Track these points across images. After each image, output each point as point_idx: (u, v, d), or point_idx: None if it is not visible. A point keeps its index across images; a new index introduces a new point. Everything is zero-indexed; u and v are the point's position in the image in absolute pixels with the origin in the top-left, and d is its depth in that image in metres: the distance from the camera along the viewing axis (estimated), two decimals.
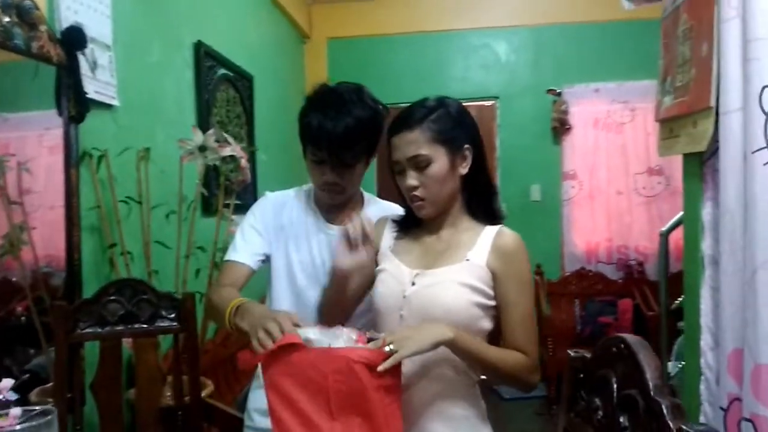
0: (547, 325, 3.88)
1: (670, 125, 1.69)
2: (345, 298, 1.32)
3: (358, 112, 1.38)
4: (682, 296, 2.74)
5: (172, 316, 1.61)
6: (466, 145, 1.26)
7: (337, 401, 1.02)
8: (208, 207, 2.72)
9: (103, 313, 1.56)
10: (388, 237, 1.37)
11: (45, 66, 1.75)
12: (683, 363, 1.69)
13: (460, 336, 1.08)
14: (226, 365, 2.84)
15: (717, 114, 1.39)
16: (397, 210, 1.52)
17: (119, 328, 1.57)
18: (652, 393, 0.69)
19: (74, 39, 1.78)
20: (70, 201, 1.79)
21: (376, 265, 1.35)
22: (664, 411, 0.66)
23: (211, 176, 2.66)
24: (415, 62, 4.68)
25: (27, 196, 1.69)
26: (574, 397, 0.93)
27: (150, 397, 1.62)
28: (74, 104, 1.81)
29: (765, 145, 1.24)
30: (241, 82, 3.39)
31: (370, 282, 1.33)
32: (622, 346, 0.78)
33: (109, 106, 2.10)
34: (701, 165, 1.51)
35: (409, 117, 1.25)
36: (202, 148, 2.20)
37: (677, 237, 2.66)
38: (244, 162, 2.16)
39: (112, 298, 1.58)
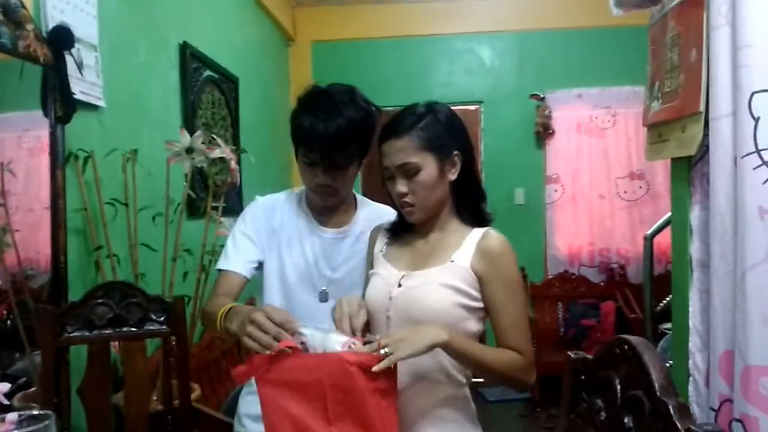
0: (530, 328, 3.90)
1: (658, 130, 1.72)
2: None
3: (350, 113, 1.36)
4: (667, 299, 2.80)
5: (162, 319, 1.59)
6: (455, 152, 1.28)
7: (334, 406, 1.02)
8: (194, 209, 2.69)
9: (90, 317, 1.53)
10: (380, 242, 1.39)
11: (29, 66, 1.72)
12: (670, 364, 1.72)
13: (454, 338, 1.09)
14: (210, 369, 2.82)
15: (706, 119, 1.42)
16: (390, 212, 1.53)
17: (107, 331, 1.55)
18: (658, 393, 0.69)
19: (61, 38, 1.75)
20: (56, 203, 1.76)
21: (371, 269, 1.36)
22: (672, 411, 0.67)
23: (195, 178, 2.64)
24: (399, 66, 4.69)
25: (7, 198, 1.66)
26: (575, 399, 0.94)
27: (138, 402, 1.60)
28: (61, 105, 1.77)
29: (754, 149, 1.27)
30: (227, 84, 3.37)
31: None
32: (626, 347, 0.78)
33: (95, 107, 2.07)
34: (689, 169, 1.53)
35: (399, 124, 1.26)
36: (189, 150, 2.18)
37: (658, 240, 2.71)
38: (233, 164, 2.14)
39: (100, 301, 1.55)
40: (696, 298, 1.47)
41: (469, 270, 1.22)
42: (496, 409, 3.91)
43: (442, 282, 1.20)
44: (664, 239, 2.96)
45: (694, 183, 1.51)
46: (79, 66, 1.92)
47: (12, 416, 0.78)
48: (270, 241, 1.50)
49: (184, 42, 2.79)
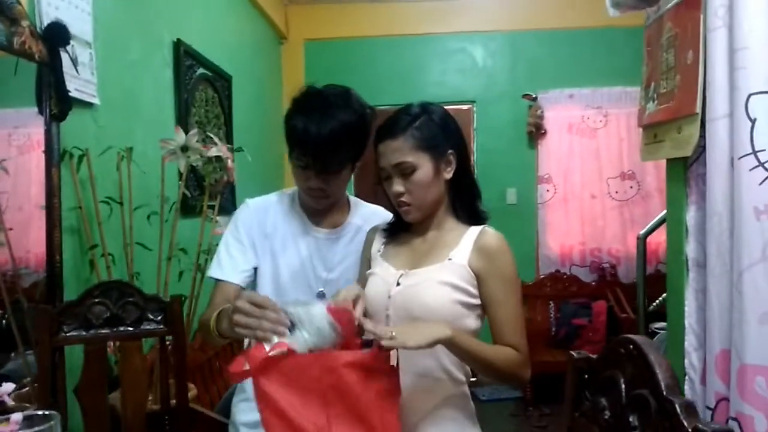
0: None
1: (653, 130, 1.73)
2: None
3: (343, 116, 1.34)
4: (660, 298, 2.82)
5: (159, 318, 1.58)
6: (450, 150, 1.29)
7: (333, 407, 1.02)
8: (187, 208, 2.68)
9: (88, 316, 1.53)
10: (377, 243, 1.39)
11: (23, 63, 1.71)
12: None
13: (458, 335, 1.10)
14: (204, 369, 2.81)
15: (703, 120, 1.43)
16: (383, 213, 1.54)
17: (104, 331, 1.54)
18: (664, 392, 0.70)
19: (57, 35, 1.74)
20: (52, 201, 1.74)
21: (369, 269, 1.37)
22: (678, 410, 0.68)
23: (189, 177, 2.63)
24: (392, 65, 4.69)
25: None
26: (578, 398, 0.95)
27: (135, 402, 1.59)
28: (56, 102, 1.76)
29: (751, 150, 1.28)
30: (220, 82, 3.36)
31: None
32: (631, 347, 0.79)
33: (89, 105, 2.05)
34: (685, 170, 1.55)
35: (394, 124, 1.27)
36: (185, 149, 2.17)
37: (648, 240, 2.73)
38: (230, 163, 2.14)
39: (96, 300, 1.55)
40: (692, 297, 1.48)
41: (467, 267, 1.23)
42: (489, 408, 3.93)
43: (441, 280, 1.21)
44: (654, 239, 2.98)
45: (690, 184, 1.52)
46: (75, 63, 1.91)
47: (17, 416, 0.78)
48: (263, 245, 1.48)
49: (178, 39, 2.78)
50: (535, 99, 4.49)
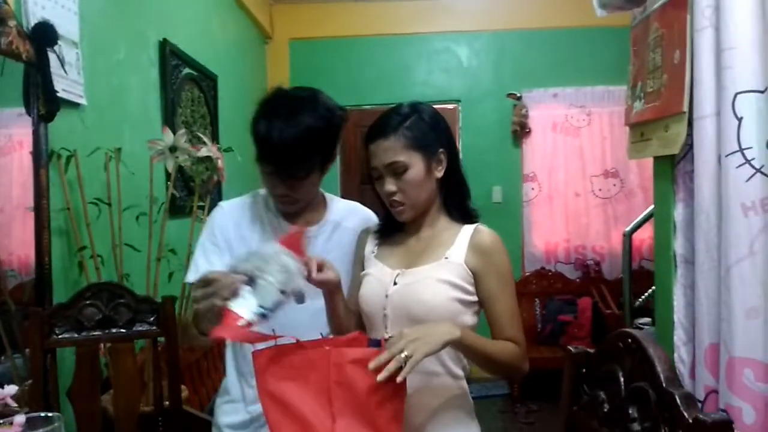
0: None
1: (640, 129, 1.76)
2: (339, 314, 1.31)
3: (309, 121, 1.30)
4: (645, 294, 2.86)
5: (151, 320, 1.57)
6: (441, 149, 1.30)
7: (338, 402, 1.02)
8: (176, 209, 2.66)
9: (79, 318, 1.52)
10: (370, 244, 1.40)
11: (9, 63, 1.69)
12: None
13: (465, 333, 1.11)
14: (192, 370, 2.79)
15: (690, 119, 1.46)
16: (361, 209, 1.54)
17: (96, 333, 1.53)
18: (664, 384, 0.72)
19: (45, 35, 1.72)
20: (40, 203, 1.73)
21: (362, 270, 1.37)
22: (678, 401, 0.69)
23: (176, 177, 2.61)
24: (377, 65, 4.70)
25: None
26: (576, 392, 0.96)
27: (128, 404, 1.58)
28: (44, 103, 1.74)
29: (738, 148, 1.31)
30: (206, 82, 3.34)
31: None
32: (630, 341, 0.81)
33: (76, 105, 2.03)
34: (673, 167, 1.57)
35: (385, 124, 1.28)
36: (173, 149, 2.16)
37: (632, 236, 2.77)
38: (221, 162, 2.13)
39: (88, 302, 1.54)
40: (680, 293, 1.51)
41: (464, 266, 1.24)
42: (476, 405, 3.91)
43: (439, 278, 1.22)
44: (638, 236, 3.03)
45: (678, 181, 1.55)
46: (62, 63, 1.89)
47: (20, 418, 0.77)
48: (240, 247, 1.43)
49: (164, 39, 2.76)
50: (519, 98, 4.52)
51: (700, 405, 1.39)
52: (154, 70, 2.71)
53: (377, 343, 1.07)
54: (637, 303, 2.62)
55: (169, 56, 2.80)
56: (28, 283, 1.77)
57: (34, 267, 1.76)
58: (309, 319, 1.38)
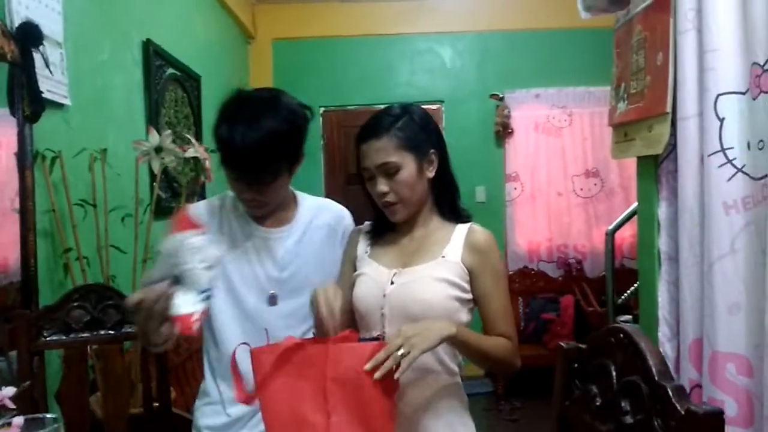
0: None
1: (624, 129, 1.79)
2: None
3: (271, 124, 1.26)
4: (628, 291, 2.90)
5: None
6: (432, 150, 1.32)
7: (334, 398, 1.04)
8: (161, 210, 2.65)
9: (67, 320, 1.51)
10: (363, 244, 1.41)
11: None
12: None
13: (460, 330, 1.13)
14: (178, 372, 2.77)
15: (673, 119, 1.49)
16: (333, 205, 1.54)
17: (84, 335, 1.52)
18: (656, 378, 0.74)
19: (30, 35, 1.70)
20: (26, 204, 1.71)
21: (354, 270, 1.38)
22: (670, 393, 0.72)
23: (161, 178, 2.59)
24: (360, 65, 4.70)
25: None
26: (567, 387, 0.98)
27: (116, 406, 1.57)
28: (29, 103, 1.73)
29: (720, 148, 1.35)
30: (189, 82, 3.32)
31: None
32: (621, 335, 0.83)
33: (60, 106, 2.01)
34: (656, 167, 1.61)
35: (376, 125, 1.29)
36: (158, 149, 2.15)
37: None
38: (208, 163, 2.12)
39: (76, 304, 1.53)
40: (664, 289, 1.54)
41: (461, 264, 1.27)
42: None
43: (437, 276, 1.25)
44: (618, 234, 3.07)
45: (661, 180, 1.58)
46: (48, 63, 1.87)
47: (18, 420, 0.77)
48: None
49: (147, 39, 2.74)
50: (502, 99, 4.56)
51: None
52: (137, 70, 2.69)
53: (375, 341, 1.08)
54: (620, 300, 2.66)
55: (153, 56, 2.79)
56: (9, 286, 1.75)
57: (16, 269, 1.75)
58: (282, 321, 1.40)
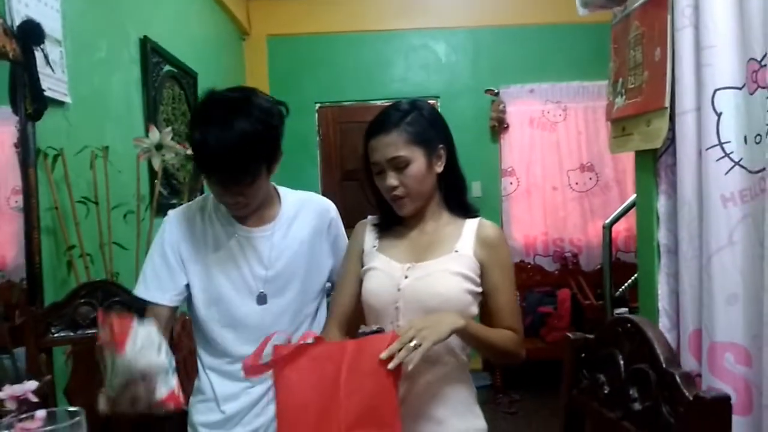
0: None
1: (622, 124, 1.81)
2: None
3: (243, 125, 1.24)
4: (625, 284, 2.94)
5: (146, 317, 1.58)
6: (441, 145, 1.34)
7: (347, 386, 1.06)
8: (161, 207, 2.65)
9: (74, 317, 1.52)
10: (370, 238, 1.41)
11: None
12: None
13: (469, 322, 1.16)
14: (179, 369, 2.79)
15: (671, 114, 1.52)
16: (316, 198, 1.55)
17: (92, 331, 1.53)
18: (664, 365, 0.77)
19: (31, 34, 1.71)
20: (29, 202, 1.72)
21: (361, 266, 1.39)
22: (678, 380, 0.74)
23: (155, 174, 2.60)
24: (355, 61, 4.71)
25: None
26: (575, 376, 1.01)
27: None
28: (31, 101, 1.73)
29: (717, 142, 1.37)
30: (186, 79, 3.32)
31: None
32: (629, 325, 0.85)
33: (61, 104, 2.02)
34: (655, 161, 1.63)
35: (386, 120, 1.30)
36: (159, 147, 2.16)
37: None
38: None
39: (83, 300, 1.54)
40: (664, 281, 1.57)
41: (473, 258, 1.29)
42: None
43: (452, 270, 1.27)
44: (614, 228, 3.10)
45: (660, 174, 1.61)
46: (48, 61, 1.88)
47: (41, 413, 0.79)
48: (195, 258, 1.41)
49: (145, 36, 2.75)
50: (497, 94, 4.58)
51: None
52: (135, 67, 2.70)
53: (375, 334, 1.12)
54: (617, 293, 2.69)
55: (150, 54, 2.79)
56: (6, 284, 1.75)
57: (15, 266, 1.75)
58: (271, 320, 1.41)
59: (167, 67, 3.02)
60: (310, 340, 1.11)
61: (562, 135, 4.62)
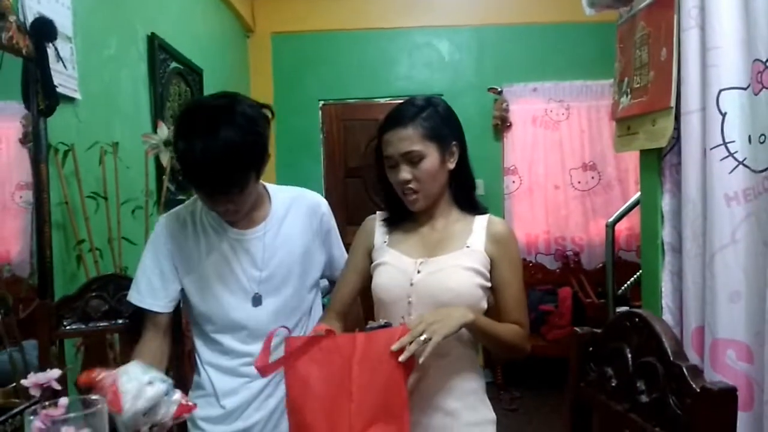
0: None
1: (627, 123, 1.83)
2: None
3: (228, 134, 1.23)
4: (627, 282, 2.96)
5: None
6: (454, 142, 1.35)
7: (358, 379, 1.08)
8: (169, 203, 2.67)
9: (86, 310, 1.54)
10: (380, 233, 1.43)
11: (7, 58, 1.69)
12: None
13: (478, 317, 1.18)
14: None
15: (677, 113, 1.54)
16: (306, 194, 1.55)
17: (103, 324, 1.55)
18: (672, 358, 0.79)
19: (44, 30, 1.73)
20: (41, 197, 1.74)
21: (370, 262, 1.41)
22: (686, 373, 0.76)
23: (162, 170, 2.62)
24: (359, 59, 4.72)
25: None
26: (582, 370, 1.03)
27: None
28: (43, 97, 1.75)
29: (722, 142, 1.39)
30: (192, 76, 3.34)
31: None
32: (637, 319, 0.87)
33: (71, 100, 2.04)
34: (659, 160, 1.65)
35: (401, 115, 1.32)
36: (167, 143, 2.18)
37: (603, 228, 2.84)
38: None
39: (94, 294, 1.56)
40: (668, 279, 1.59)
41: (484, 253, 1.32)
42: None
43: (464, 265, 1.29)
44: (616, 227, 3.12)
45: (664, 173, 1.63)
46: (60, 58, 1.90)
47: (64, 400, 0.81)
48: (189, 264, 1.42)
49: (152, 33, 2.77)
50: (500, 92, 4.60)
51: None
52: (143, 64, 2.72)
53: (383, 329, 1.14)
54: (620, 292, 2.72)
55: (158, 50, 2.81)
56: (12, 277, 1.76)
57: (19, 261, 1.77)
58: (269, 319, 1.42)
59: (174, 64, 3.04)
60: (321, 333, 1.13)
61: (565, 134, 4.63)
